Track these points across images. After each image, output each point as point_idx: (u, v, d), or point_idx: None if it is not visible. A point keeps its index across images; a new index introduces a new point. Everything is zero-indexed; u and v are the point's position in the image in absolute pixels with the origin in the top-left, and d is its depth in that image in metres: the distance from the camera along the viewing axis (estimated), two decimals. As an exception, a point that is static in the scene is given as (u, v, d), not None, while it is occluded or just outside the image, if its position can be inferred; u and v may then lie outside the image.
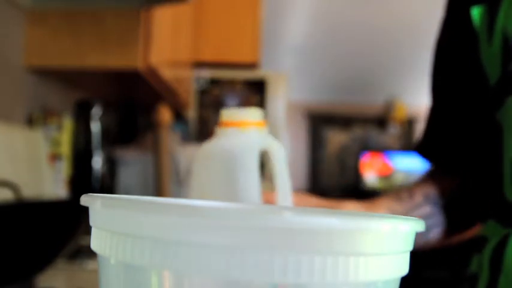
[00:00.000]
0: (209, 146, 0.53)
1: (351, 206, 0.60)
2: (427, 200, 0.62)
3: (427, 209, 0.62)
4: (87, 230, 0.26)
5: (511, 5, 0.52)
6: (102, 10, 1.17)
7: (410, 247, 0.23)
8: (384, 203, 0.62)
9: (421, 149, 0.68)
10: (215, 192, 0.50)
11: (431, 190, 0.63)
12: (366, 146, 5.21)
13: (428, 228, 0.61)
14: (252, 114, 0.52)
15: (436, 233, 0.62)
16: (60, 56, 1.18)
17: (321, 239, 0.19)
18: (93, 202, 0.23)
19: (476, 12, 0.56)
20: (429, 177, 0.67)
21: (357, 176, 5.14)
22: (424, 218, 0.61)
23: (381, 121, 5.22)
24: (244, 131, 0.52)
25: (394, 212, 0.61)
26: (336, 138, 5.28)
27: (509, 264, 0.50)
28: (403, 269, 0.23)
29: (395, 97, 4.96)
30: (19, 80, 1.17)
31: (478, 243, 0.56)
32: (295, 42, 4.01)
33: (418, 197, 0.62)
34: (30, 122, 1.20)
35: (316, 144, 5.25)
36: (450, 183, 0.64)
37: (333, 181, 5.24)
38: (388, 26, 3.73)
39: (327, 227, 0.19)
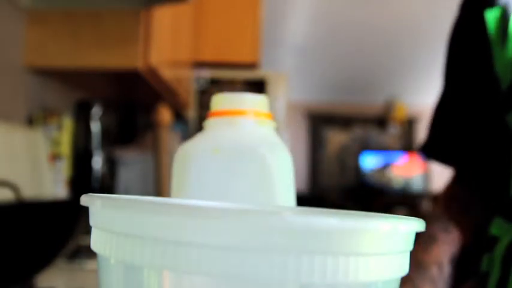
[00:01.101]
0: (211, 138, 0.37)
1: None
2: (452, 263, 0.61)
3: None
4: (87, 230, 0.26)
5: None
6: (102, 10, 1.17)
7: (410, 247, 0.23)
8: None
9: (427, 148, 0.68)
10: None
11: (454, 247, 0.61)
12: (366, 146, 5.21)
13: None
14: (261, 102, 0.38)
15: None
16: (60, 56, 1.18)
17: (321, 239, 0.19)
18: (93, 202, 0.23)
19: (491, 15, 0.56)
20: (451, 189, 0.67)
21: (357, 176, 5.14)
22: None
23: (381, 121, 5.22)
24: (260, 124, 0.38)
25: None
26: (336, 138, 5.28)
27: None
28: (403, 269, 0.23)
29: (395, 97, 4.96)
30: (19, 80, 1.17)
31: (488, 242, 0.57)
32: (295, 42, 4.01)
33: (447, 266, 0.60)
34: (30, 122, 1.20)
35: (316, 144, 5.25)
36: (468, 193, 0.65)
37: (333, 181, 5.24)
38: (388, 26, 3.73)
39: (327, 227, 0.19)
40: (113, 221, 0.22)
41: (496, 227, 0.56)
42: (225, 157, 0.35)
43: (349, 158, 5.25)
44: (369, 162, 5.12)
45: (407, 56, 4.16)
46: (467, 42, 0.62)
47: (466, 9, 0.62)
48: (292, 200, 0.38)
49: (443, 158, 0.66)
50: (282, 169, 0.36)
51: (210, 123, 0.39)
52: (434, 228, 0.63)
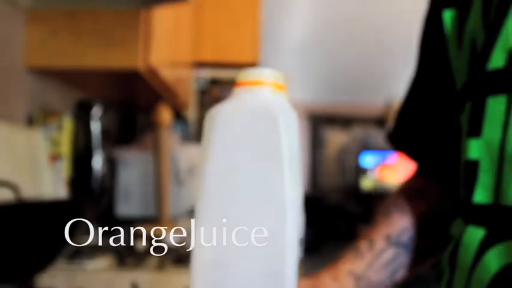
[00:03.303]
0: (234, 102, 0.44)
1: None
2: (388, 242, 0.63)
3: (390, 252, 0.62)
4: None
5: (480, 9, 0.50)
6: (102, 10, 1.17)
7: None
8: (344, 266, 0.61)
9: (392, 137, 0.69)
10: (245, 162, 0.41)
11: (391, 228, 0.63)
12: (366, 146, 5.21)
13: (394, 271, 0.62)
14: (278, 76, 0.46)
15: (403, 273, 0.63)
16: (60, 56, 1.18)
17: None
18: None
19: (447, 16, 0.56)
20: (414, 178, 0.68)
21: (357, 176, 5.14)
22: (388, 263, 0.62)
23: (380, 121, 5.22)
24: (275, 92, 0.45)
25: (357, 273, 0.61)
26: (336, 138, 5.28)
27: (462, 258, 0.49)
28: None
29: (395, 97, 4.96)
30: (19, 80, 1.17)
31: (446, 242, 0.56)
32: (295, 42, 4.01)
33: (379, 242, 0.63)
34: (30, 122, 1.20)
35: (316, 144, 5.25)
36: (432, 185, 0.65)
37: (333, 181, 5.24)
38: (389, 26, 3.73)
39: None
40: None
41: (454, 227, 0.55)
42: (243, 115, 0.43)
43: (349, 158, 5.25)
44: (369, 162, 5.12)
45: (407, 56, 4.16)
46: (429, 39, 0.62)
47: (430, 6, 0.63)
48: (297, 158, 0.43)
49: (406, 150, 0.67)
50: (289, 127, 0.43)
51: (234, 91, 0.46)
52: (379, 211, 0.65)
